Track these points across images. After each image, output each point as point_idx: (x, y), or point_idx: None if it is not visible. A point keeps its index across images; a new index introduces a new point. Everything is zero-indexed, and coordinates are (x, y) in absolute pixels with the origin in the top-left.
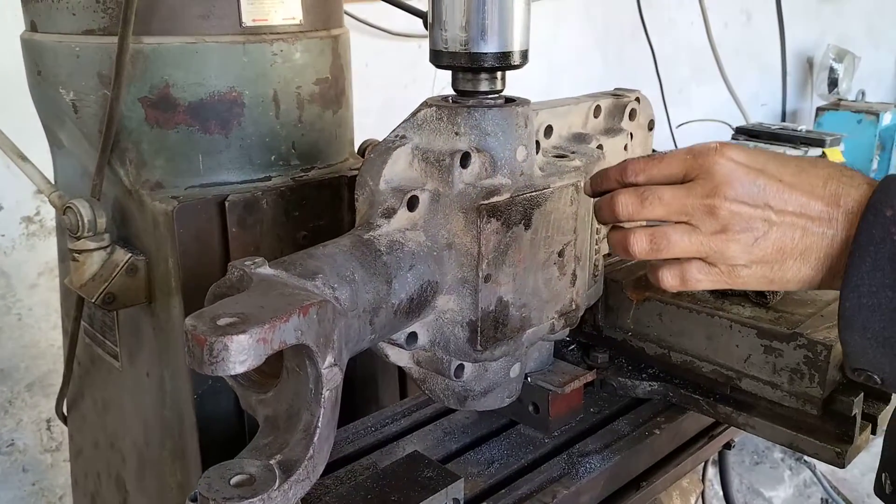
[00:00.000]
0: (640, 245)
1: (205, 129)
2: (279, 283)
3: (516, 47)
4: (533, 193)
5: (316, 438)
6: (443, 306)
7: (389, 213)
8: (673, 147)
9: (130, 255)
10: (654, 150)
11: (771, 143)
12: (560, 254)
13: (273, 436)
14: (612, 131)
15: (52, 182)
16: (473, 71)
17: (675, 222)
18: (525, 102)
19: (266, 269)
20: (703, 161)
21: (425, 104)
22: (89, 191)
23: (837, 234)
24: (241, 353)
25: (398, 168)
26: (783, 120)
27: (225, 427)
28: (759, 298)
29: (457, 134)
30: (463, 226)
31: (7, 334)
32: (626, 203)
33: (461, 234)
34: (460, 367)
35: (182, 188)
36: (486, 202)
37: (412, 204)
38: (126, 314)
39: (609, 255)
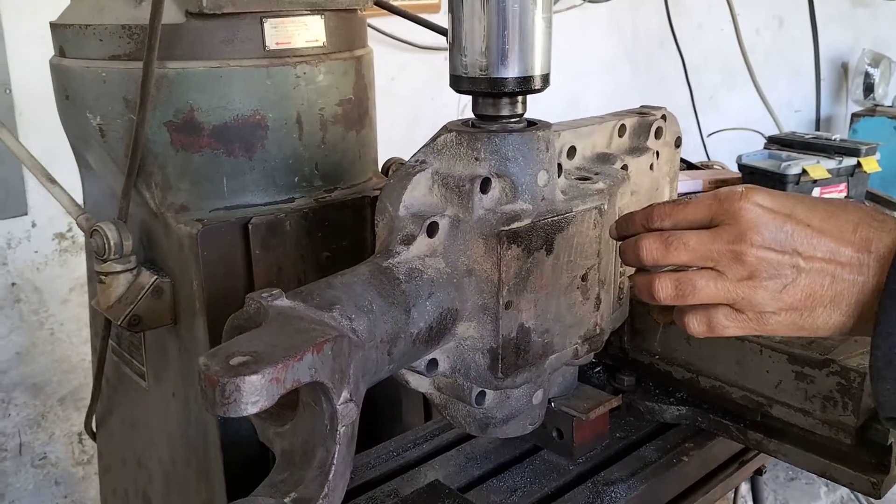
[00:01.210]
0: (665, 291)
1: (229, 152)
2: (295, 316)
3: (537, 71)
4: (555, 218)
5: (331, 476)
6: (463, 333)
7: (409, 240)
8: (705, 157)
9: (156, 277)
10: (682, 194)
11: (804, 153)
12: (583, 278)
13: (289, 471)
14: (637, 150)
15: (80, 204)
16: (494, 96)
17: (701, 268)
18: (546, 126)
19: (283, 301)
20: (728, 206)
21: (445, 129)
22: (116, 213)
23: (868, 281)
24: (253, 394)
25: (418, 193)
26: (817, 126)
27: (248, 447)
28: None
29: (477, 159)
30: (483, 252)
31: (40, 349)
32: (650, 248)
33: (481, 261)
34: (481, 394)
35: (207, 211)
36: (506, 228)
37: (432, 230)
38: (152, 335)
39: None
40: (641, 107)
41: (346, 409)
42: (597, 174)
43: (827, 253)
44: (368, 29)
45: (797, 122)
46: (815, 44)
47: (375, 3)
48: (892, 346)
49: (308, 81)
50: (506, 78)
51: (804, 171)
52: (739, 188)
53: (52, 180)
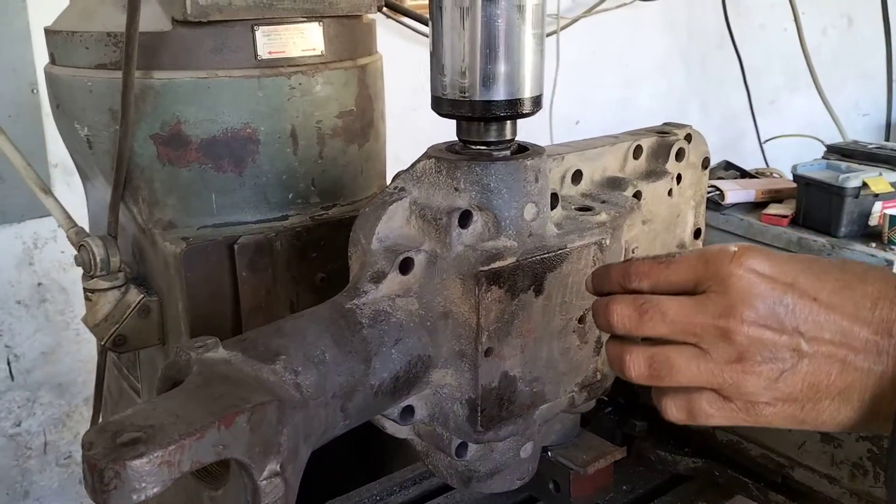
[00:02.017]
0: (637, 369)
1: (218, 167)
2: (220, 375)
3: (526, 94)
4: (545, 256)
5: None
6: (439, 381)
7: (378, 278)
8: (763, 163)
9: (143, 296)
10: (715, 188)
11: (866, 164)
12: (580, 320)
13: None
14: (654, 174)
15: (70, 217)
16: (476, 121)
17: (683, 342)
18: (538, 153)
19: (217, 353)
20: (717, 270)
21: (426, 154)
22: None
23: (888, 371)
24: (138, 481)
25: (394, 224)
26: (887, 131)
27: None
28: None
29: (456, 189)
30: (461, 293)
31: (65, 349)
32: (622, 314)
33: (459, 303)
34: (463, 446)
35: (195, 228)
36: (485, 268)
37: (405, 267)
38: (146, 351)
39: None
40: (664, 124)
41: (271, 485)
42: (603, 202)
43: (836, 334)
44: (404, 29)
45: (865, 125)
46: (888, 44)
47: (386, 6)
48: None
49: (304, 93)
50: (490, 101)
51: (864, 185)
52: (732, 247)
53: (47, 191)
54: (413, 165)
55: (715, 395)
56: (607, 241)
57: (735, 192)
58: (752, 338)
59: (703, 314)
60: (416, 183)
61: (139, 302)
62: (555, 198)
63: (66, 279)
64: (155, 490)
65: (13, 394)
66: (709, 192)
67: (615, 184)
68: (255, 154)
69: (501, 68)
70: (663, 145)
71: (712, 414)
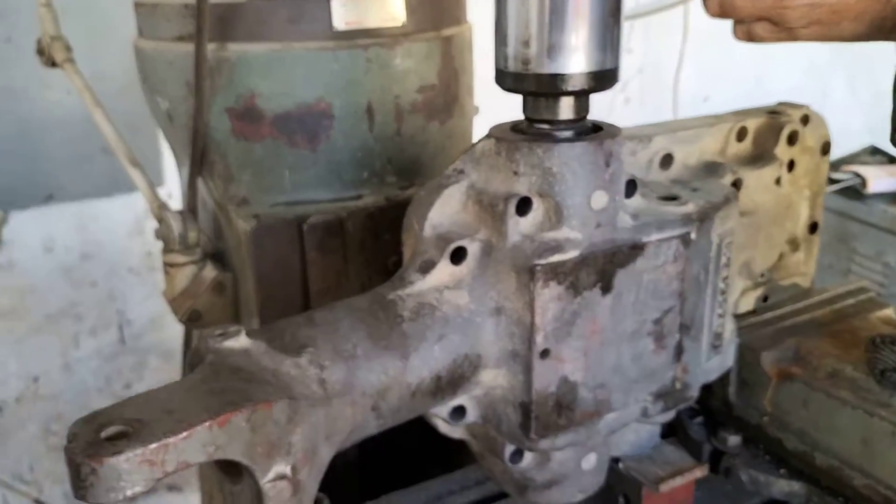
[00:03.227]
0: (711, 8)
1: (291, 142)
2: (234, 365)
3: (596, 66)
4: (615, 250)
5: None
6: (490, 382)
7: (427, 267)
8: None
9: (217, 272)
10: (856, 174)
11: None
12: (656, 322)
13: None
14: (760, 160)
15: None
16: (540, 96)
17: None
18: (612, 134)
19: (238, 342)
20: None
21: (487, 134)
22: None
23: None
24: (116, 479)
25: (449, 210)
26: None
27: None
28: None
29: (515, 173)
30: (515, 288)
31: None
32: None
33: (513, 299)
34: (517, 452)
35: (267, 205)
36: (542, 262)
37: (457, 256)
38: None
39: (747, 314)
40: (778, 104)
41: (275, 488)
42: (694, 190)
43: None
44: None
45: None
46: None
47: None
48: None
49: (381, 66)
50: (555, 75)
51: None
52: None
53: (134, 163)
54: (473, 146)
55: (767, 23)
56: (693, 236)
57: (880, 179)
58: None
59: None
60: (476, 165)
61: (214, 278)
62: (632, 185)
63: None
64: (136, 490)
65: (124, 357)
66: (846, 180)
67: (712, 170)
68: (329, 129)
69: (569, 37)
70: (773, 127)
71: (764, 36)
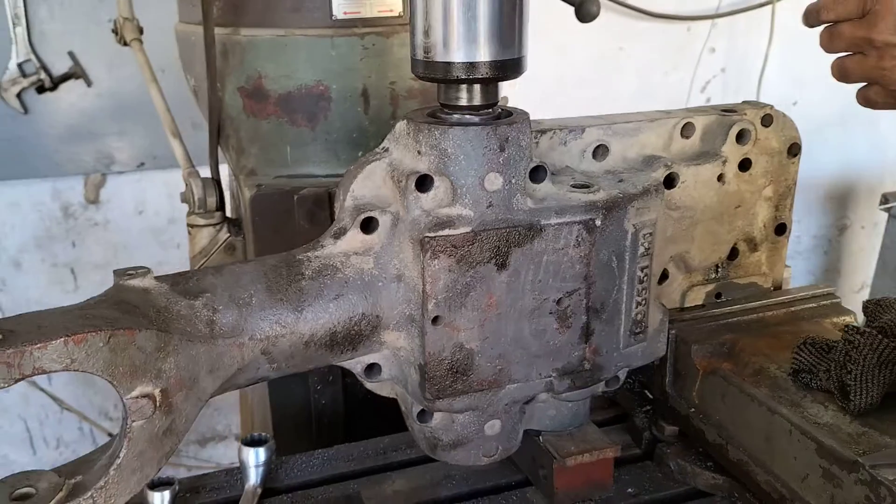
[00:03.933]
0: (834, 74)
1: (293, 121)
2: (123, 299)
3: (488, 56)
4: (509, 229)
5: (112, 468)
6: (393, 343)
7: (339, 234)
8: None
9: (230, 235)
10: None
11: None
12: (558, 302)
13: (102, 453)
14: (704, 156)
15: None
16: (441, 83)
17: (855, 52)
18: (518, 120)
19: (142, 282)
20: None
21: (405, 115)
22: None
23: None
24: None
25: (373, 184)
26: None
27: (295, 408)
28: (843, 398)
29: (419, 153)
30: (412, 258)
31: None
32: (822, 40)
33: (411, 267)
34: (424, 412)
35: (271, 177)
36: (431, 234)
37: (366, 226)
38: None
39: (694, 308)
40: (741, 102)
41: (137, 404)
42: (620, 181)
43: None
44: None
45: None
46: None
47: None
48: None
49: (377, 53)
50: (450, 63)
51: None
52: None
53: (176, 134)
54: (395, 126)
55: (878, 87)
56: (597, 222)
57: None
58: (888, 42)
59: (861, 30)
60: (396, 144)
61: (226, 240)
62: (540, 170)
63: None
64: None
65: None
66: None
67: (649, 163)
68: (326, 111)
69: (463, 28)
70: (722, 125)
71: (877, 100)
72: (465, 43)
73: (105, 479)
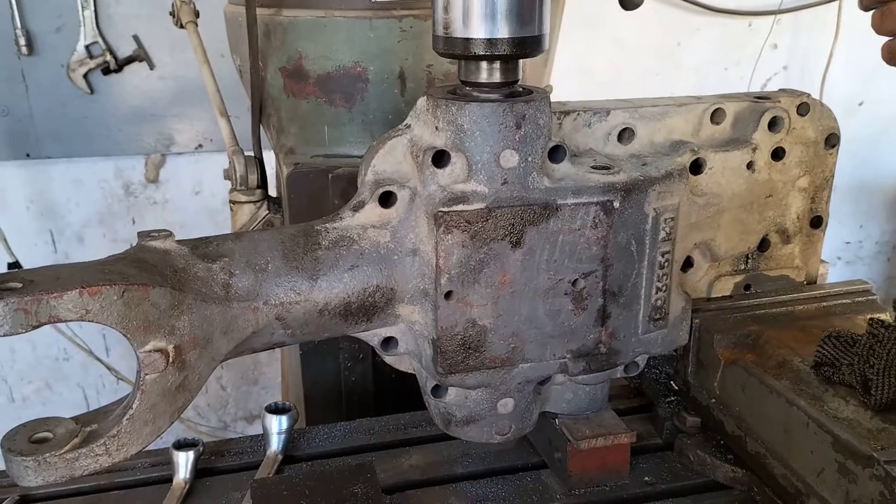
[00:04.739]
0: (882, 55)
1: (330, 101)
2: (142, 258)
3: (511, 32)
4: (524, 207)
5: (125, 419)
6: (408, 316)
7: (358, 207)
8: None
9: (269, 212)
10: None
11: None
12: (574, 283)
13: (118, 405)
14: (733, 143)
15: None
16: (461, 59)
17: None
18: (536, 98)
19: (164, 244)
20: None
21: (425, 91)
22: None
23: None
24: None
25: (394, 159)
26: None
27: (326, 384)
28: (864, 393)
29: (437, 129)
30: (427, 233)
31: None
32: (873, 20)
33: (425, 241)
34: (438, 387)
35: (308, 156)
36: (445, 209)
37: (385, 199)
38: None
39: (720, 298)
40: (778, 90)
41: (150, 357)
42: (644, 165)
43: None
44: None
45: None
46: None
47: None
48: None
49: (414, 36)
50: (468, 39)
51: None
52: None
53: (223, 114)
54: (417, 103)
55: None
56: (616, 204)
57: None
58: None
59: None
60: (417, 120)
61: (265, 217)
62: (558, 150)
63: None
64: (8, 330)
65: None
66: None
67: (676, 148)
68: (363, 92)
69: (479, 3)
70: (755, 112)
71: None
72: (484, 19)
73: (118, 428)
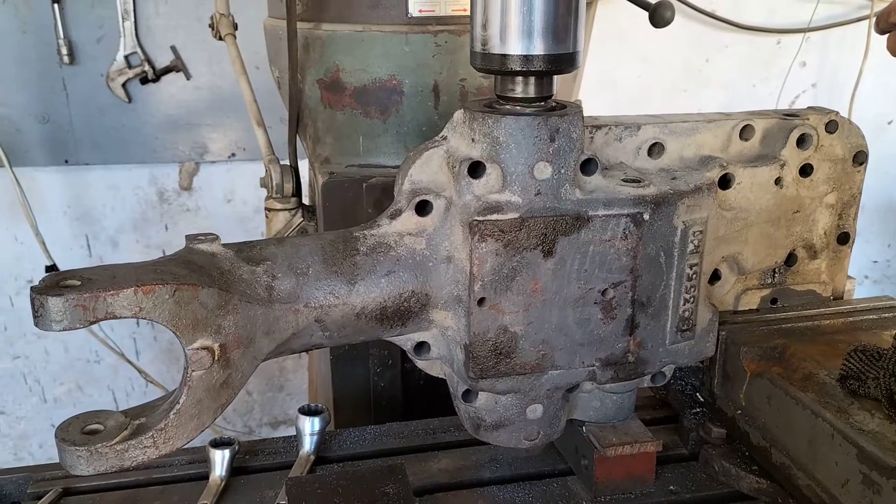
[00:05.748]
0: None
1: (366, 113)
2: (191, 260)
3: (546, 49)
4: (556, 218)
5: (173, 413)
6: (441, 322)
7: (395, 215)
8: None
9: (303, 220)
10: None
11: None
12: (604, 293)
13: (165, 400)
14: (763, 159)
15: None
16: (498, 74)
17: None
18: (570, 112)
19: (210, 247)
20: None
21: (462, 104)
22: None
23: None
24: (56, 314)
25: (430, 169)
26: None
27: (355, 389)
28: (890, 407)
29: (473, 140)
30: (462, 241)
31: None
32: (889, 43)
33: (460, 249)
34: (469, 392)
35: (343, 166)
36: (480, 218)
37: (421, 208)
38: None
39: (747, 311)
40: (808, 108)
41: (198, 355)
42: (673, 179)
43: None
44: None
45: None
46: None
47: None
48: None
49: (449, 51)
50: (505, 55)
51: None
52: None
53: (260, 123)
54: (454, 115)
55: None
56: (646, 216)
57: None
58: None
59: None
60: (453, 132)
61: (299, 224)
62: (591, 163)
63: None
64: (68, 325)
65: None
66: None
67: (705, 163)
68: (398, 104)
69: (519, 21)
70: (784, 129)
71: None
72: (521, 36)
73: (165, 421)
